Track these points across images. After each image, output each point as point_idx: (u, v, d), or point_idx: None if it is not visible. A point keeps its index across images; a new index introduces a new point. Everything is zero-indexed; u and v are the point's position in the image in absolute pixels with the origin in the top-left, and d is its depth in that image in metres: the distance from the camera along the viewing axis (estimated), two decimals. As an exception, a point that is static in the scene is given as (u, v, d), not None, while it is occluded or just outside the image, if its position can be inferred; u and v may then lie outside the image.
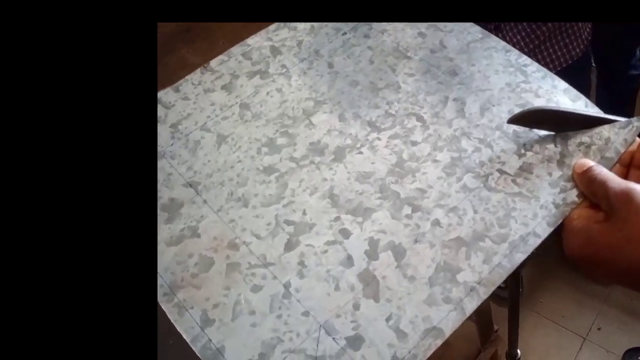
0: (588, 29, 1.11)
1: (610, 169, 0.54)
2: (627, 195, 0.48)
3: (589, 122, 0.57)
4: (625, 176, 0.54)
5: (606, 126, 0.56)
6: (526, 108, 0.58)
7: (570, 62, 1.09)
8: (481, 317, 1.29)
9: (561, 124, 0.58)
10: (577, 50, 1.09)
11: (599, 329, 1.48)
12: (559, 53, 1.08)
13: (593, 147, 0.56)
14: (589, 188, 0.53)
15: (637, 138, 0.55)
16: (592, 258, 0.49)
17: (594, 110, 0.59)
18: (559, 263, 1.52)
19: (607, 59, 1.41)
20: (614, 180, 0.50)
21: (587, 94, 1.07)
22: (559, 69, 1.09)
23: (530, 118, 0.58)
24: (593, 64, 1.40)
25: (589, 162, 0.54)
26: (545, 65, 1.07)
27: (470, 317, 1.16)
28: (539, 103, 0.62)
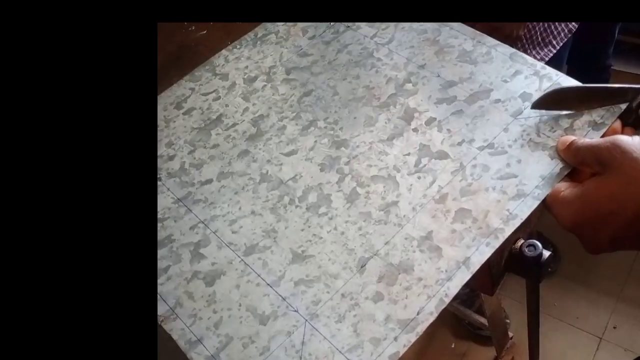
0: (571, 25, 1.11)
1: None
2: (613, 143, 0.50)
3: (614, 94, 0.59)
4: None
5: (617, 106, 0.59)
6: (548, 90, 0.61)
7: (553, 53, 1.10)
8: (496, 325, 1.30)
9: (584, 101, 0.59)
10: (558, 38, 1.10)
11: (614, 327, 1.48)
12: (542, 53, 1.09)
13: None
14: (578, 157, 0.55)
15: (618, 120, 0.58)
16: (594, 218, 0.50)
17: (614, 84, 0.61)
18: (569, 263, 1.54)
19: (586, 49, 1.41)
20: (599, 139, 0.53)
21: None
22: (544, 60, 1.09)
23: (553, 98, 0.60)
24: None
25: (571, 137, 0.57)
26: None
27: (485, 327, 1.18)
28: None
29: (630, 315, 1.48)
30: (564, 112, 0.60)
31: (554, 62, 1.12)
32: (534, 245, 0.66)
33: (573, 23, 1.11)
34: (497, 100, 0.64)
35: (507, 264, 0.69)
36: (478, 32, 0.71)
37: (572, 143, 0.56)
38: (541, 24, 1.07)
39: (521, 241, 0.68)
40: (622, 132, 0.58)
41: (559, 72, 0.64)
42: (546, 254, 0.67)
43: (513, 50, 0.68)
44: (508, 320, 1.42)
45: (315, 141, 0.65)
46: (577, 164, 0.56)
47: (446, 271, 0.53)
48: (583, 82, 0.62)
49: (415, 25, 0.74)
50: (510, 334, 1.39)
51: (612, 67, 1.52)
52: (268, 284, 0.56)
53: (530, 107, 0.61)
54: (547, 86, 0.64)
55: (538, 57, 1.10)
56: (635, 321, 1.47)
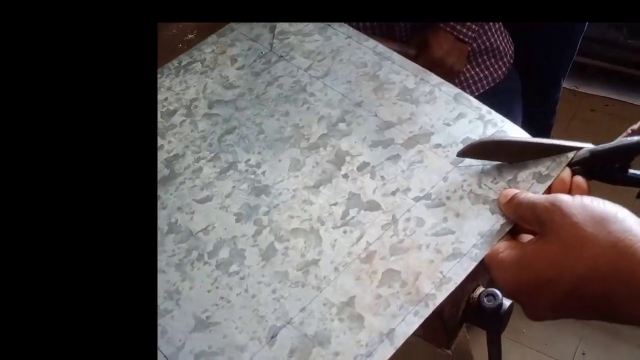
0: (511, 51, 1.08)
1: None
2: (553, 204, 0.47)
3: (545, 151, 0.56)
4: None
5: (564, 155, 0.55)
6: (477, 140, 0.58)
7: (492, 84, 1.06)
8: (460, 354, 1.26)
9: (515, 154, 0.56)
10: (500, 72, 1.06)
11: (583, 354, 1.49)
12: (481, 75, 1.05)
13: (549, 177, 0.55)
14: (517, 213, 0.52)
15: (567, 169, 0.55)
16: (531, 284, 0.47)
17: (548, 139, 0.58)
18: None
19: (530, 81, 1.39)
20: (540, 197, 0.50)
21: (518, 117, 1.03)
22: (481, 91, 1.05)
23: (481, 149, 0.57)
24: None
25: (513, 190, 0.53)
26: (467, 87, 1.03)
27: (449, 357, 1.11)
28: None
29: (599, 341, 1.49)
30: (499, 163, 0.56)
31: (502, 92, 1.08)
32: (493, 295, 0.62)
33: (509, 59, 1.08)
34: (438, 145, 0.59)
35: (464, 314, 0.64)
36: (422, 68, 0.67)
37: (513, 197, 0.52)
38: (481, 61, 1.04)
39: (480, 289, 0.63)
40: (572, 182, 0.54)
41: (504, 119, 0.60)
42: (507, 303, 0.62)
43: (458, 90, 0.63)
44: None
45: (234, 186, 0.60)
46: (517, 220, 0.52)
47: (367, 345, 0.47)
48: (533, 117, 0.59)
49: (354, 57, 0.69)
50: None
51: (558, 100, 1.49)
52: (165, 356, 0.50)
53: (456, 154, 0.57)
54: (491, 132, 0.59)
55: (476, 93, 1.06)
56: (604, 347, 1.48)
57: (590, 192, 0.53)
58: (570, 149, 0.55)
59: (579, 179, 0.53)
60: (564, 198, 0.46)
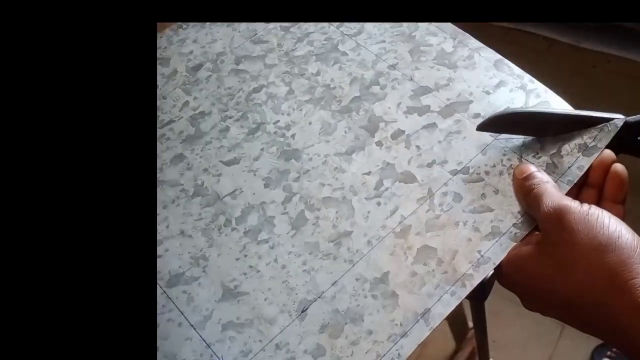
0: None
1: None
2: (558, 214, 0.44)
3: (572, 123, 0.53)
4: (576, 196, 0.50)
5: (612, 122, 0.52)
6: (497, 112, 0.54)
7: None
8: (453, 315, 1.26)
9: (538, 128, 0.53)
10: None
11: None
12: None
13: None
14: (526, 200, 0.49)
15: (607, 150, 0.51)
16: (524, 286, 0.46)
17: (573, 110, 0.54)
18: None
19: None
20: (550, 195, 0.46)
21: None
22: None
23: (501, 122, 0.53)
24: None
25: (531, 168, 0.50)
26: None
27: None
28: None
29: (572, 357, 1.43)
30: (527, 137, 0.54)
31: None
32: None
33: None
34: (477, 115, 0.56)
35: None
36: (460, 30, 0.63)
37: (528, 177, 0.49)
38: None
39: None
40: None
41: (547, 89, 0.57)
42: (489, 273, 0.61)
43: (499, 56, 0.60)
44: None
45: (262, 149, 0.57)
46: (524, 204, 0.50)
47: (401, 324, 0.46)
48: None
49: (389, 15, 0.65)
50: (470, 325, 1.35)
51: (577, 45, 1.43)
52: (191, 325, 0.48)
53: (475, 128, 0.54)
54: (534, 103, 0.56)
55: None
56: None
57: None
58: (601, 120, 0.52)
59: (619, 167, 0.50)
60: (569, 209, 0.43)
